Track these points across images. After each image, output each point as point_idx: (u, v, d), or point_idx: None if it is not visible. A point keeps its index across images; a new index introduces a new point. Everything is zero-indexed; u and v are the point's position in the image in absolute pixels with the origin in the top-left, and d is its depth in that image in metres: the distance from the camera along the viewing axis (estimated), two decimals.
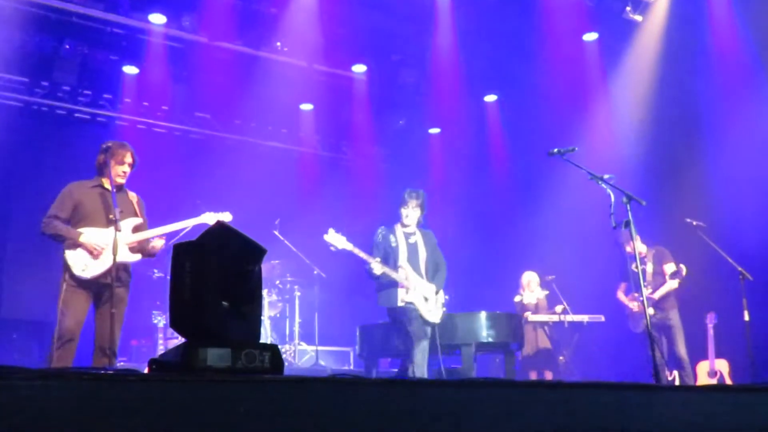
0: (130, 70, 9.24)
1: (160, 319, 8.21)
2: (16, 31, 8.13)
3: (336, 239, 6.21)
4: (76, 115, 9.18)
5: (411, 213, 6.43)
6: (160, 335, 8.22)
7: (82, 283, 5.11)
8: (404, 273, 6.28)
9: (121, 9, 8.40)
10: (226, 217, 5.85)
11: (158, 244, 5.44)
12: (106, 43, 8.80)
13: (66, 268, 5.09)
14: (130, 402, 1.93)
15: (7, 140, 8.30)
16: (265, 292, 8.66)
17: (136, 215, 5.40)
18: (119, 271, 5.10)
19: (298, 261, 8.87)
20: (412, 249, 6.43)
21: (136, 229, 5.37)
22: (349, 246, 6.19)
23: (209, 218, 5.73)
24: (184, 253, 2.65)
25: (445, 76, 9.70)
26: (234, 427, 2.03)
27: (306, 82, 9.78)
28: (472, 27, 8.99)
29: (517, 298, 9.03)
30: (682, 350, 7.22)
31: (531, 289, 9.02)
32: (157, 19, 8.51)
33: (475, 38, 9.15)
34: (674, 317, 7.33)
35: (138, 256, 5.37)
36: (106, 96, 9.43)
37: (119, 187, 5.36)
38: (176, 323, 2.68)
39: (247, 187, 9.51)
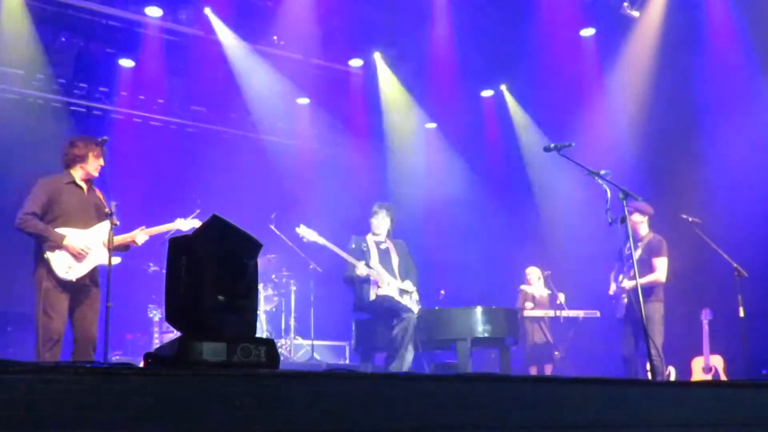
0: (126, 63, 9.21)
1: (156, 313, 8.20)
2: (12, 24, 8.10)
3: (307, 233, 6.56)
4: (72, 108, 9.14)
5: (380, 223, 6.78)
6: (156, 329, 8.21)
7: (63, 285, 5.07)
8: (375, 272, 6.54)
9: (117, 2, 8.40)
10: (197, 223, 5.87)
11: (140, 239, 5.46)
12: (102, 35, 8.78)
13: (47, 268, 5.03)
14: (126, 396, 1.93)
15: (2, 133, 8.28)
16: (261, 287, 8.66)
17: (106, 216, 5.38)
18: (94, 271, 5.17)
19: (294, 255, 8.86)
20: (384, 254, 6.72)
21: (116, 231, 5.32)
22: (321, 240, 6.56)
23: (181, 224, 5.76)
24: (179, 247, 2.64)
25: (441, 71, 9.69)
26: (229, 422, 2.03)
27: (302, 76, 9.77)
28: (469, 22, 8.98)
29: (522, 287, 9.08)
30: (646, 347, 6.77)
31: (531, 282, 9.06)
32: (153, 12, 8.49)
33: (472, 33, 9.14)
34: (650, 309, 6.72)
35: (118, 259, 5.35)
36: (101, 89, 9.38)
37: (91, 183, 5.35)
38: (172, 317, 2.68)
39: (243, 180, 9.51)
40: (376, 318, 6.77)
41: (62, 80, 8.95)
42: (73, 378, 1.91)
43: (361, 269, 6.48)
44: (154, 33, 8.82)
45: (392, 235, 6.96)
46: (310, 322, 9.06)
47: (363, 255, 6.64)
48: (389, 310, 6.58)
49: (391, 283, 6.60)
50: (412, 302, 6.69)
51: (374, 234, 6.81)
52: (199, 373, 2.22)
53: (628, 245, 7.11)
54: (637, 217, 7.05)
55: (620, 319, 7.10)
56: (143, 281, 8.11)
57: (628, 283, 6.88)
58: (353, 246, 6.75)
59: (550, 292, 9.03)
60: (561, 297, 8.81)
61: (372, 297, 6.59)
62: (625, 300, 6.96)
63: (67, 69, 8.90)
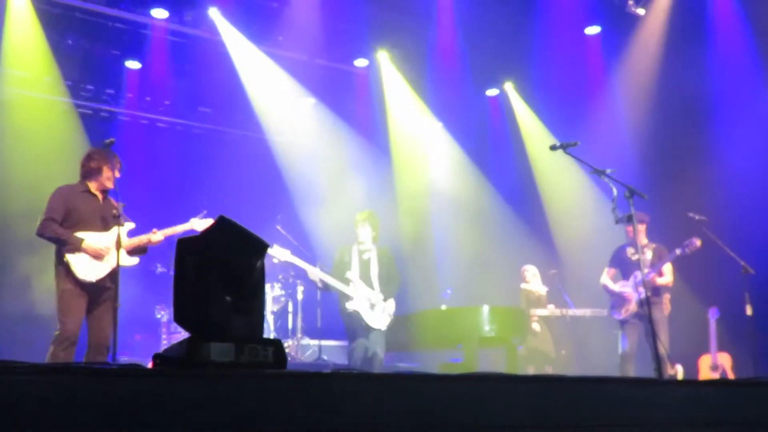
0: (132, 64, 9.22)
1: (164, 314, 8.22)
2: (18, 26, 8.14)
3: (279, 253, 6.76)
4: (79, 110, 9.17)
5: (363, 232, 6.97)
6: (164, 330, 8.23)
7: (82, 287, 5.19)
8: (351, 284, 6.77)
9: (123, 4, 8.39)
10: (209, 221, 5.95)
11: (155, 238, 5.55)
12: (109, 37, 8.78)
13: (66, 271, 5.16)
14: (134, 397, 1.94)
15: (9, 135, 8.31)
16: (267, 287, 8.67)
17: (122, 221, 5.46)
18: (115, 272, 5.25)
19: (300, 255, 8.86)
20: (365, 264, 6.91)
21: (132, 233, 5.50)
22: (291, 258, 6.81)
23: (196, 224, 5.85)
24: (187, 248, 2.65)
25: (446, 70, 9.69)
26: (237, 422, 2.04)
27: (308, 77, 9.78)
28: (474, 21, 8.97)
29: (522, 285, 9.06)
30: (659, 345, 6.81)
31: (527, 280, 9.03)
32: (159, 13, 8.50)
33: (477, 32, 9.13)
34: (658, 312, 6.98)
35: (136, 260, 5.49)
36: (108, 91, 9.41)
37: (106, 193, 5.46)
38: (179, 318, 2.68)
39: (250, 181, 9.52)
40: (347, 327, 6.96)
41: (69, 82, 8.96)
42: (80, 379, 1.92)
43: (312, 272, 6.77)
44: (160, 34, 8.82)
45: (378, 241, 7.09)
46: (317, 322, 9.06)
47: (345, 266, 6.87)
48: (352, 327, 6.80)
49: (363, 297, 6.77)
50: (383, 314, 6.79)
51: (359, 243, 6.98)
52: (207, 373, 2.23)
53: (631, 249, 7.17)
54: (638, 227, 7.07)
55: (627, 318, 7.10)
56: (151, 283, 8.13)
57: (661, 280, 6.97)
58: (338, 255, 7.02)
59: (548, 289, 9.02)
60: (551, 307, 8.80)
61: (345, 308, 6.78)
62: (649, 293, 6.95)
63: (73, 71, 8.91)
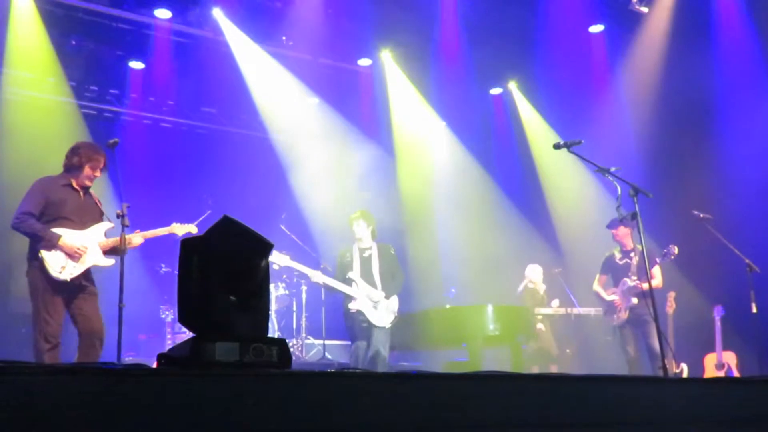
0: (136, 65, 9.24)
1: (168, 314, 8.22)
2: (23, 27, 8.15)
3: (279, 258, 6.80)
4: (83, 110, 9.18)
5: (360, 230, 6.99)
6: (168, 330, 8.24)
7: (58, 285, 5.08)
8: (354, 284, 6.80)
9: (126, 4, 8.40)
10: (192, 229, 5.92)
11: (135, 240, 5.43)
12: (112, 38, 8.79)
13: (41, 268, 5.06)
14: (139, 397, 1.95)
15: (14, 136, 8.32)
16: (272, 287, 8.68)
17: (102, 218, 5.42)
18: (89, 271, 5.19)
19: (305, 255, 8.88)
20: (366, 262, 6.94)
21: (109, 234, 5.39)
22: (291, 263, 6.88)
23: (177, 229, 5.80)
24: (191, 248, 2.65)
25: (450, 69, 9.68)
26: (242, 422, 2.04)
27: (311, 76, 9.78)
28: (477, 19, 8.96)
29: (521, 287, 9.07)
30: (657, 345, 6.55)
31: (532, 280, 9.04)
32: (163, 14, 8.51)
33: (481, 31, 9.12)
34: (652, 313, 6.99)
35: (112, 261, 5.35)
36: (112, 91, 9.43)
37: (87, 189, 5.38)
38: (184, 318, 2.68)
39: (254, 181, 9.52)
40: (349, 328, 6.97)
41: (73, 83, 8.98)
42: (86, 379, 1.92)
43: (315, 277, 6.78)
44: (164, 35, 8.82)
45: (377, 238, 7.11)
46: (321, 321, 9.08)
47: (347, 265, 6.90)
48: (353, 326, 6.82)
49: (364, 296, 6.78)
50: (387, 312, 6.80)
51: (358, 240, 7.00)
52: (212, 373, 2.23)
53: (620, 256, 7.25)
54: (622, 230, 7.15)
55: (621, 324, 7.17)
56: (155, 282, 8.13)
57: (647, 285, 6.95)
58: (339, 256, 7.04)
59: (545, 287, 9.02)
60: (555, 303, 8.83)
61: (348, 309, 6.81)
62: (636, 301, 6.97)
63: (77, 71, 8.93)
